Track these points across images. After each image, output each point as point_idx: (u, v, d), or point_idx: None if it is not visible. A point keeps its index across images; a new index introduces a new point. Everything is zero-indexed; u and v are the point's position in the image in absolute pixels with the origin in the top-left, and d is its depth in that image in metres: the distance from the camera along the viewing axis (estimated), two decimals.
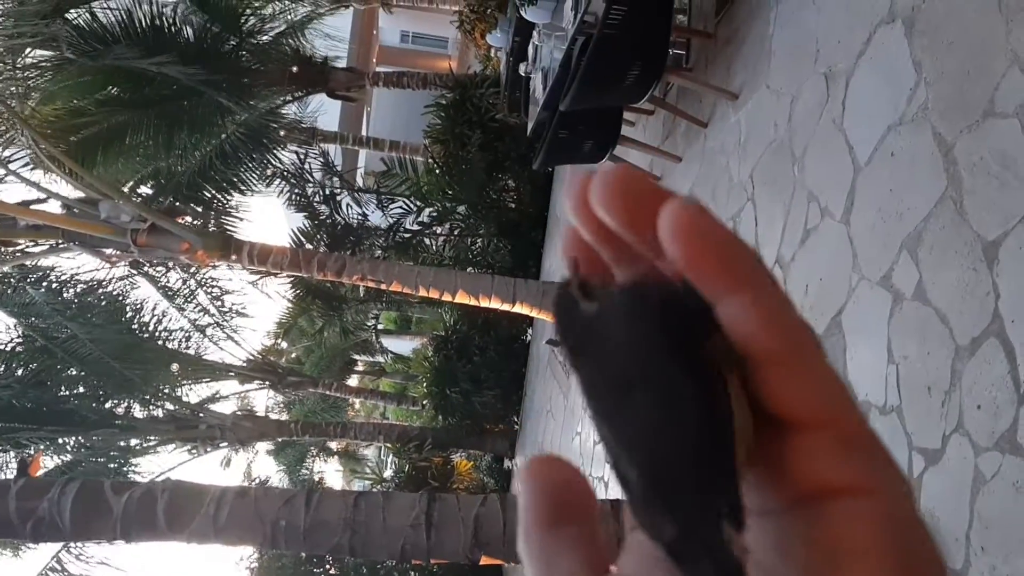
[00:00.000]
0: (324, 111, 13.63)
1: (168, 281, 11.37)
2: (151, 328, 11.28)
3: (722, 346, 0.25)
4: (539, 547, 0.28)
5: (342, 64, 13.12)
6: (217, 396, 13.20)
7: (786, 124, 3.94)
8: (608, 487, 6.06)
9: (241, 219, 10.47)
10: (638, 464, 0.25)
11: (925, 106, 2.85)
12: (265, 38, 11.01)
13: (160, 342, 11.52)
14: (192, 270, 11.13)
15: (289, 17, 11.49)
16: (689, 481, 0.24)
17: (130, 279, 10.95)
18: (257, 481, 16.63)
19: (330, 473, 21.90)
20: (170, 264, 10.59)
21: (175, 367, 11.20)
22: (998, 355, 2.31)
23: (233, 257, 8.28)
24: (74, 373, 10.56)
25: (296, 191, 11.78)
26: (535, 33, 5.95)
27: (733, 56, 4.66)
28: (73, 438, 10.63)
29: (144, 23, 9.68)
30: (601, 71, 4.29)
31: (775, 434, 0.26)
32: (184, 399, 12.18)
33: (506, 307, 8.65)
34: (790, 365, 0.25)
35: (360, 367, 22.05)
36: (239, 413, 13.38)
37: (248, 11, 10.66)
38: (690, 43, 5.20)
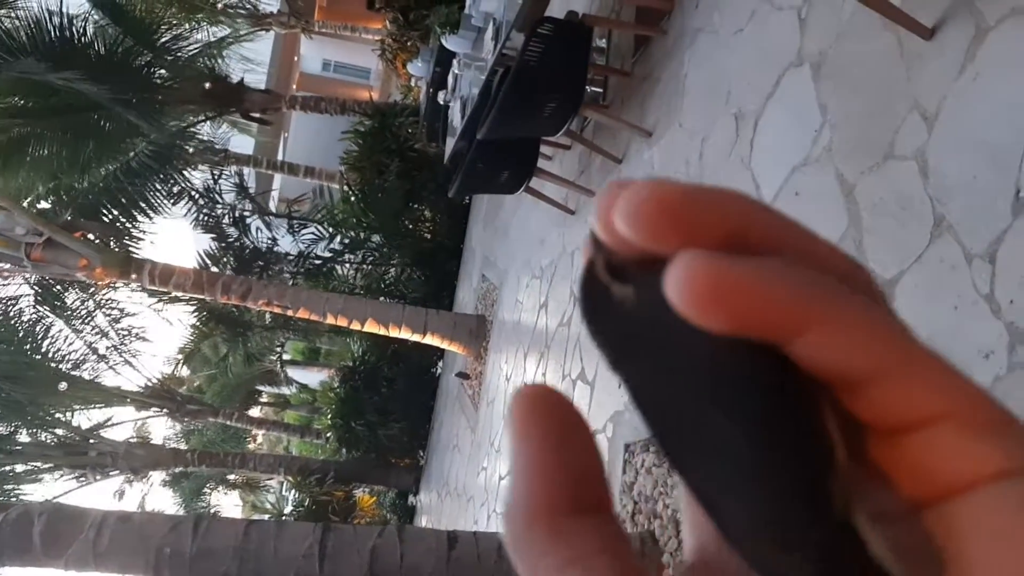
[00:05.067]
0: (238, 133, 13.37)
1: (66, 300, 10.88)
2: (44, 349, 10.75)
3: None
4: (553, 539, 0.21)
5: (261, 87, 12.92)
6: (109, 422, 12.63)
7: (697, 162, 4.01)
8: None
9: (143, 238, 10.12)
10: (737, 499, 0.20)
11: (829, 147, 2.94)
12: (181, 55, 10.75)
13: (53, 364, 11.00)
14: (91, 290, 10.68)
15: (206, 36, 11.27)
16: (811, 511, 0.19)
17: (24, 296, 10.44)
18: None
19: (229, 507, 21.17)
20: (67, 282, 10.13)
21: (63, 386, 10.66)
22: None
23: (133, 276, 7.96)
24: None
25: (204, 212, 11.46)
26: (455, 62, 5.96)
27: (648, 94, 4.75)
28: None
29: (53, 34, 9.33)
30: (519, 102, 4.31)
31: (880, 439, 0.21)
32: (75, 424, 11.62)
33: (417, 338, 8.55)
34: (892, 378, 0.20)
35: (265, 398, 21.46)
36: (133, 440, 12.84)
37: (164, 26, 10.39)
38: (608, 80, 5.29)
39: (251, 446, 20.75)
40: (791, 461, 0.19)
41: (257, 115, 11.82)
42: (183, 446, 15.83)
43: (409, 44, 10.72)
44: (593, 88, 5.14)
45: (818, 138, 3.02)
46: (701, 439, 0.20)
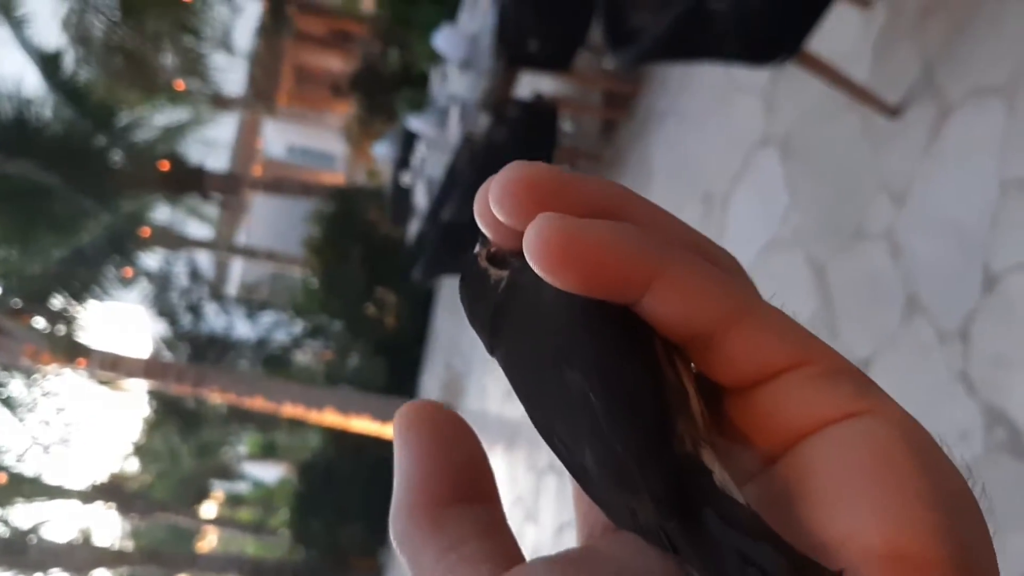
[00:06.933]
0: (198, 219, 13.22)
1: (8, 388, 10.50)
2: None
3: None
4: (432, 530, 0.22)
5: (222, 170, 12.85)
6: (51, 520, 12.16)
7: None
8: None
9: (94, 326, 9.85)
10: (592, 451, 0.21)
11: (798, 228, 2.92)
12: (140, 140, 10.65)
13: None
14: (35, 376, 10.32)
15: (166, 119, 11.19)
16: (656, 452, 0.20)
17: None
18: None
19: None
20: (11, 369, 9.79)
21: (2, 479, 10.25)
22: None
23: (81, 364, 7.68)
24: None
25: (158, 297, 11.25)
26: (419, 144, 5.95)
27: (616, 177, 4.75)
28: None
29: (6, 117, 9.23)
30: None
31: (735, 399, 0.22)
32: (13, 520, 11.21)
33: (377, 427, 8.31)
34: (736, 330, 0.21)
35: (218, 493, 20.75)
36: (75, 540, 12.34)
37: (123, 108, 10.32)
38: (575, 163, 5.31)
39: (202, 545, 19.98)
40: (634, 404, 0.20)
41: (218, 197, 11.73)
42: (130, 544, 15.23)
43: (375, 127, 10.78)
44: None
45: (787, 219, 3.00)
46: (562, 402, 0.21)
